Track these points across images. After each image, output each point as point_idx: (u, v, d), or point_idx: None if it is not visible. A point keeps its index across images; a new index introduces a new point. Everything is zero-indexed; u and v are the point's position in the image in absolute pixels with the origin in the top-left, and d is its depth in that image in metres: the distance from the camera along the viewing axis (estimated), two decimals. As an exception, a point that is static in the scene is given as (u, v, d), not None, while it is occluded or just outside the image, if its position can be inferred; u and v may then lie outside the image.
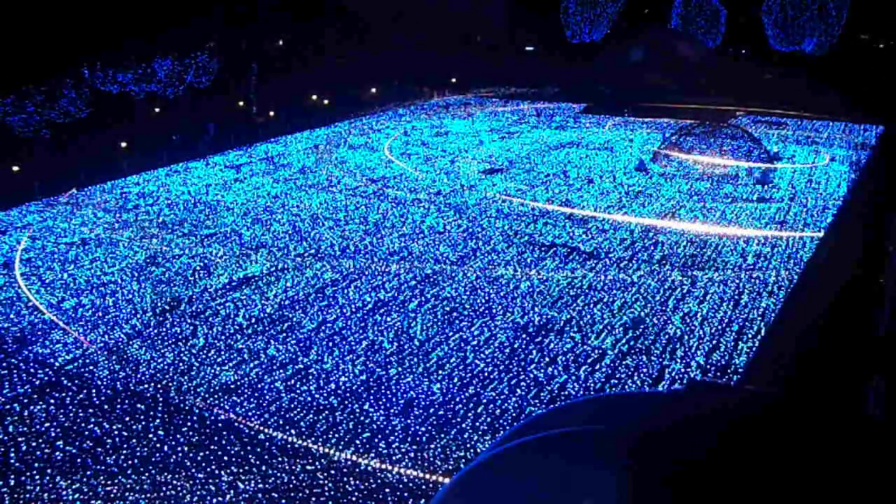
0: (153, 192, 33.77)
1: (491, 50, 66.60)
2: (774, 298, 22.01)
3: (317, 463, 14.40)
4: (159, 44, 45.58)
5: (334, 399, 16.62)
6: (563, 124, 51.02)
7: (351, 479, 13.96)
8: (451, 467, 14.40)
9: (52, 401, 16.45)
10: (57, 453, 14.57)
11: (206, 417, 15.90)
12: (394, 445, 14.94)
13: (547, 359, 18.41)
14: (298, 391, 16.96)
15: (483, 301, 21.81)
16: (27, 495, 13.42)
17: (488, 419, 15.89)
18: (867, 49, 61.82)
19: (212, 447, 14.84)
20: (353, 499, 13.46)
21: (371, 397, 16.68)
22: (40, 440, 14.99)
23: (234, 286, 22.98)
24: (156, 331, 19.97)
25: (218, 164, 39.25)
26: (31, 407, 16.20)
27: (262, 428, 15.53)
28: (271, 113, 52.40)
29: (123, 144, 40.51)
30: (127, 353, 18.72)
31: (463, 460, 14.54)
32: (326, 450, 14.81)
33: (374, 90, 59.60)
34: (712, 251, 26.13)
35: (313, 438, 15.16)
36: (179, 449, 14.74)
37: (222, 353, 18.80)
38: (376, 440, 15.11)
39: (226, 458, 14.49)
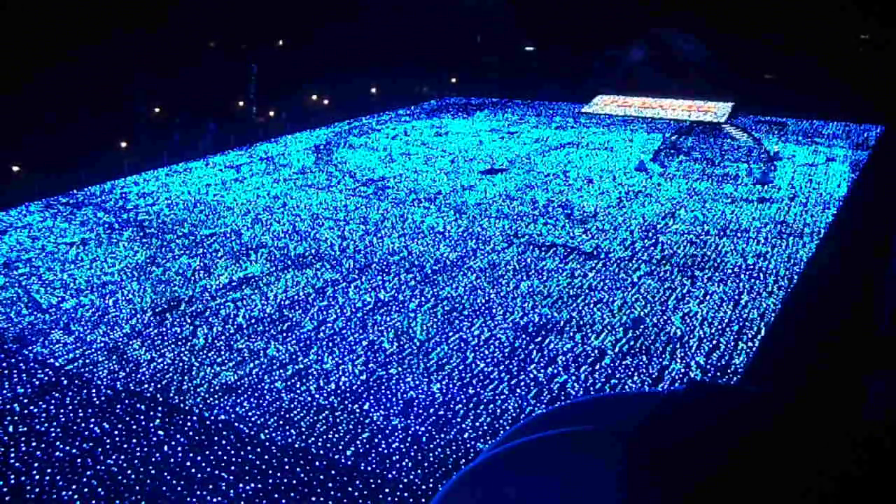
0: (153, 192, 33.78)
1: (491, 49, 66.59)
2: (774, 298, 22.01)
3: (317, 463, 14.40)
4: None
5: (334, 399, 16.62)
6: (563, 124, 51.03)
7: (351, 478, 13.96)
8: (451, 467, 14.40)
9: (52, 401, 16.45)
10: (57, 453, 14.57)
11: (206, 417, 15.90)
12: (394, 445, 14.95)
13: (547, 359, 18.41)
14: (298, 391, 16.96)
15: (483, 301, 21.81)
16: (27, 495, 13.42)
17: (488, 419, 15.89)
18: (868, 48, 61.72)
19: (212, 447, 14.84)
20: (353, 499, 13.45)
21: (371, 397, 16.68)
22: (41, 440, 14.99)
23: (234, 286, 22.98)
24: (156, 331, 19.98)
25: (218, 164, 39.25)
26: (31, 407, 16.20)
27: (262, 428, 15.52)
28: (271, 113, 52.42)
29: (123, 144, 40.51)
30: (127, 353, 18.73)
31: (463, 460, 14.54)
32: (326, 450, 14.81)
33: (374, 90, 59.60)
34: (712, 251, 26.14)
35: (313, 438, 15.16)
36: (179, 449, 14.74)
37: (222, 353, 18.80)
38: (376, 440, 15.11)
39: (226, 458, 14.49)
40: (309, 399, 16.63)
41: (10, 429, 15.38)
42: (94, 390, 16.93)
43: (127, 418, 15.79)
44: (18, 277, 23.60)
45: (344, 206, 31.84)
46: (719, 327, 20.12)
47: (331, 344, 19.20)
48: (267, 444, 14.97)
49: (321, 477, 13.98)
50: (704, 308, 21.31)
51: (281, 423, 15.72)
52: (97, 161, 36.10)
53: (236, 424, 15.63)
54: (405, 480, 13.92)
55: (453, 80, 64.89)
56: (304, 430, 15.47)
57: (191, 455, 14.53)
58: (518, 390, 16.97)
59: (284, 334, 19.77)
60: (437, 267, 24.59)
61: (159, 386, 17.16)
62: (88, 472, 13.98)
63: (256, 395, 16.81)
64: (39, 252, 25.98)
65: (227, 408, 16.27)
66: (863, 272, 22.10)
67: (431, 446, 14.95)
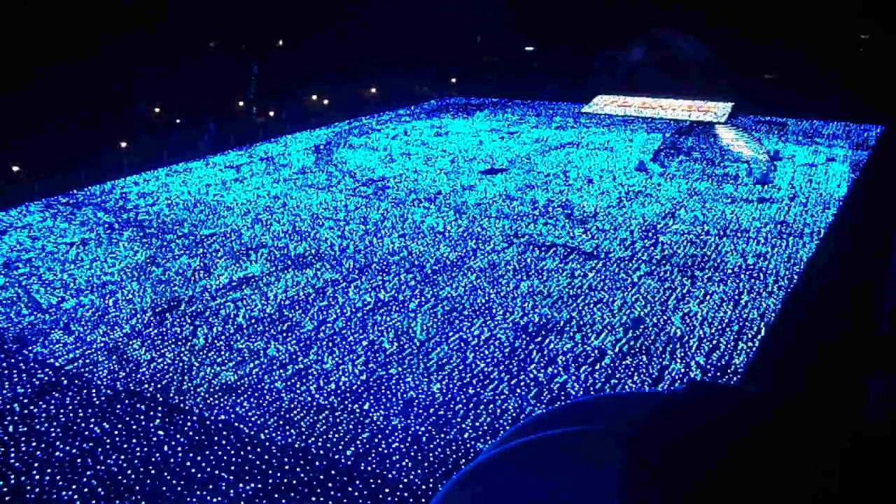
0: (153, 192, 33.77)
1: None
2: (774, 298, 22.00)
3: (317, 463, 14.40)
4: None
5: (334, 399, 16.62)
6: (564, 124, 51.02)
7: (351, 478, 13.96)
8: (450, 467, 14.39)
9: (52, 401, 16.44)
10: (57, 453, 14.57)
11: (206, 417, 15.90)
12: (394, 445, 14.94)
13: (547, 359, 18.40)
14: (298, 391, 16.96)
15: (483, 301, 21.80)
16: (27, 495, 13.42)
17: (488, 419, 15.88)
18: (868, 48, 61.74)
19: (212, 447, 14.83)
20: (353, 499, 13.45)
21: (371, 397, 16.68)
22: (41, 440, 14.98)
23: (234, 286, 22.97)
24: (156, 331, 19.97)
25: (218, 164, 39.24)
26: (31, 407, 16.20)
27: (262, 428, 15.52)
28: (271, 113, 52.42)
29: (123, 144, 40.51)
30: (127, 353, 18.72)
31: (463, 460, 14.53)
32: (326, 450, 14.80)
33: (373, 90, 59.60)
34: (712, 251, 26.13)
35: (313, 438, 15.16)
36: (179, 449, 14.73)
37: (222, 353, 18.80)
38: (376, 440, 15.10)
39: (226, 458, 14.49)
40: (309, 399, 16.63)
41: (10, 429, 15.38)
42: (94, 390, 16.93)
43: (127, 418, 15.78)
44: (18, 277, 23.60)
45: (344, 206, 31.83)
46: (719, 327, 20.11)
47: (331, 344, 19.20)
48: (267, 444, 14.96)
49: (321, 477, 13.98)
50: (704, 308, 21.31)
51: (281, 423, 15.72)
52: (97, 161, 36.10)
53: (236, 424, 15.63)
54: (405, 480, 13.91)
55: (453, 80, 64.88)
56: (304, 430, 15.47)
57: (191, 455, 14.53)
58: (518, 390, 16.96)
59: (284, 334, 19.76)
60: (437, 267, 24.58)
61: (159, 386, 17.16)
62: (88, 472, 13.98)
63: (256, 395, 16.80)
64: (39, 252, 25.97)
65: (227, 408, 16.26)
66: (863, 272, 22.07)
67: (431, 446, 14.94)
